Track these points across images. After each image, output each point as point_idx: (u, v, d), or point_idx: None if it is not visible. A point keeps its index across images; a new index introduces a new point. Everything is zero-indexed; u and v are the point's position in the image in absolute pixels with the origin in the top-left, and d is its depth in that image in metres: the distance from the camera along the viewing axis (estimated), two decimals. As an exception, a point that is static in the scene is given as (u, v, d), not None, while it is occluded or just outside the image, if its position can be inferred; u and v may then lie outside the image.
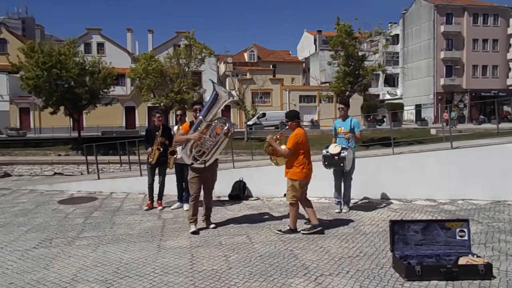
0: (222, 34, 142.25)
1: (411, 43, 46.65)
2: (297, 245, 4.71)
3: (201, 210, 5.73)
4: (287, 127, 5.35)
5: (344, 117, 6.46)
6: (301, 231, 5.17)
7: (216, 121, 5.30)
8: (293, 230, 5.21)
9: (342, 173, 6.36)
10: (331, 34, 24.85)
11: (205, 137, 5.25)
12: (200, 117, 5.27)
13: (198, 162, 5.31)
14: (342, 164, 5.97)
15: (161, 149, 6.80)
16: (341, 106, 6.58)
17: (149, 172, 7.11)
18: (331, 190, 6.63)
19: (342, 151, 5.95)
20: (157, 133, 6.83)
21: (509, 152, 7.15)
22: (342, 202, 6.47)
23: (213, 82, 5.35)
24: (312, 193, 7.51)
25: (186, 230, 5.51)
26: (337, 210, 6.41)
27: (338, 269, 3.92)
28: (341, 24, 21.88)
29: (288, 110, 38.67)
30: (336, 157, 5.95)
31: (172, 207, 7.01)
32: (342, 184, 6.47)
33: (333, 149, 6.03)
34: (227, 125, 5.34)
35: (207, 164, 5.36)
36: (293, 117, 5.31)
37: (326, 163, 6.05)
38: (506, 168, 7.01)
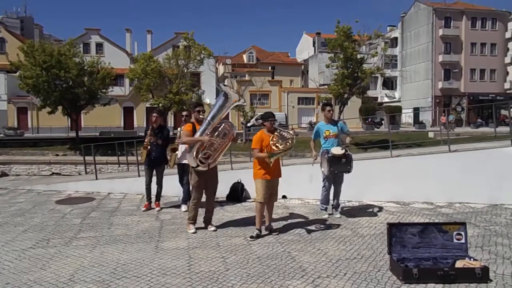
0: (221, 35, 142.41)
1: (409, 46, 46.80)
2: (295, 247, 4.72)
3: (201, 211, 5.74)
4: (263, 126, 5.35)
5: (330, 119, 6.22)
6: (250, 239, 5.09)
7: (223, 124, 5.29)
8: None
9: (334, 178, 6.17)
10: (330, 37, 24.94)
11: (216, 140, 5.23)
12: (208, 119, 5.22)
13: (203, 165, 5.26)
14: (349, 166, 5.79)
15: (149, 147, 6.78)
16: (330, 108, 6.25)
17: (146, 173, 7.09)
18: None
19: (346, 151, 5.77)
20: (147, 131, 6.80)
21: (506, 156, 7.19)
22: (333, 207, 6.32)
23: (222, 84, 5.41)
24: (309, 195, 7.58)
25: (184, 231, 5.51)
26: (326, 216, 6.21)
27: (335, 271, 3.93)
28: (340, 27, 21.95)
29: (286, 112, 39.07)
30: (343, 159, 5.75)
31: (183, 210, 6.82)
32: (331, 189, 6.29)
33: (337, 150, 5.79)
34: (232, 128, 5.36)
35: (211, 166, 5.34)
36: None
37: (332, 168, 5.76)
38: (503, 171, 7.04)
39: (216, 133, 5.24)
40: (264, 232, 5.28)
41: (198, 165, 5.26)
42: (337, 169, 5.84)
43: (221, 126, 5.26)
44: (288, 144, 5.01)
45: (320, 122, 6.35)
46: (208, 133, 5.19)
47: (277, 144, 5.02)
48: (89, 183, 9.42)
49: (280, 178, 5.37)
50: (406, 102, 45.70)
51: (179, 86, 25.49)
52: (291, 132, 5.19)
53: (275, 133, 5.13)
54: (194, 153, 5.21)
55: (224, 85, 5.35)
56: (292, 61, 52.37)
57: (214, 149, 5.26)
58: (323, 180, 6.25)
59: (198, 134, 5.23)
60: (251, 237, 5.08)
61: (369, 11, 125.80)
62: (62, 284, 3.72)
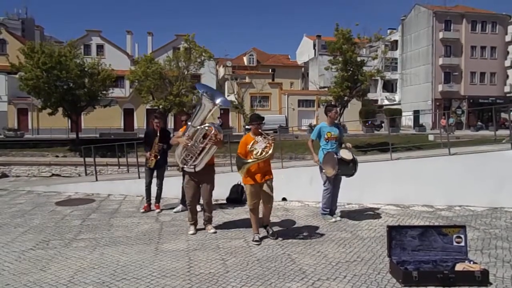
0: (221, 37, 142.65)
1: (409, 49, 46.85)
2: (295, 249, 4.72)
3: (201, 213, 5.79)
4: (250, 129, 5.24)
5: (333, 121, 6.20)
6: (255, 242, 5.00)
7: (203, 126, 5.31)
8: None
9: (334, 181, 6.10)
10: (331, 39, 24.94)
11: (190, 142, 5.29)
12: (189, 123, 5.41)
13: (188, 165, 5.39)
14: (354, 170, 5.77)
15: (159, 156, 6.87)
16: (337, 109, 6.24)
17: (147, 174, 7.13)
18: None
19: (353, 156, 5.79)
20: (155, 140, 6.83)
21: (506, 159, 7.19)
22: (332, 210, 6.27)
23: (199, 89, 5.51)
24: (309, 197, 7.58)
25: (183, 233, 5.52)
26: (332, 220, 6.11)
27: (335, 274, 3.93)
28: (340, 30, 21.98)
29: (286, 114, 39.09)
30: (351, 163, 5.74)
31: (174, 210, 6.98)
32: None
33: (346, 154, 5.76)
34: (213, 131, 5.28)
35: (197, 169, 5.35)
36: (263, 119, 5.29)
37: (340, 170, 5.69)
38: (503, 175, 7.04)
39: (196, 135, 5.31)
40: (262, 233, 5.22)
41: (183, 167, 5.47)
42: (343, 171, 5.80)
43: (199, 129, 5.30)
44: (263, 154, 4.84)
45: (322, 123, 6.28)
46: (189, 135, 5.31)
47: (254, 152, 4.89)
48: (89, 184, 9.43)
49: (275, 179, 5.19)
50: (406, 105, 45.73)
51: (180, 88, 25.48)
52: (270, 139, 4.91)
53: (255, 139, 4.96)
54: (179, 153, 5.44)
55: (201, 91, 5.37)
56: (293, 64, 52.42)
57: (195, 152, 5.32)
58: (325, 183, 6.14)
59: (182, 136, 5.41)
60: (256, 240, 4.98)
61: (370, 14, 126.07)
62: (62, 286, 3.72)
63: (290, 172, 8.33)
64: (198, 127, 5.30)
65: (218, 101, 5.28)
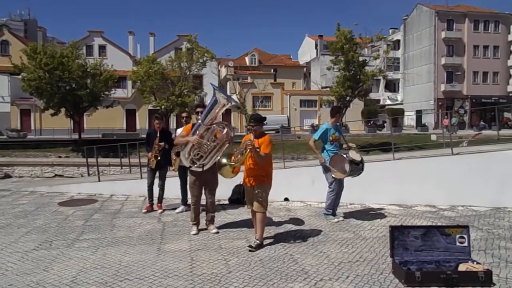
0: (223, 37, 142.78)
1: (412, 48, 46.80)
2: (297, 250, 4.71)
3: (204, 214, 5.78)
4: (251, 130, 4.90)
5: (335, 123, 6.19)
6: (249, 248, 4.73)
7: (215, 125, 5.21)
8: (261, 244, 4.81)
9: (339, 182, 6.08)
10: (332, 39, 24.94)
11: (203, 141, 5.17)
12: (199, 120, 5.23)
13: (196, 165, 5.27)
14: (361, 170, 5.84)
15: (159, 156, 6.85)
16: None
17: (149, 174, 7.14)
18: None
19: (361, 156, 5.87)
20: (155, 140, 6.84)
21: (509, 158, 7.17)
22: (334, 211, 6.24)
23: (213, 87, 5.28)
24: (311, 197, 7.57)
25: (186, 233, 5.52)
26: (335, 220, 6.09)
27: (337, 274, 3.92)
28: (341, 30, 21.98)
29: (288, 114, 39.06)
30: (360, 164, 5.79)
31: (176, 211, 6.98)
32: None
33: (355, 155, 5.79)
34: (226, 129, 5.20)
35: (205, 168, 5.29)
36: (262, 121, 5.05)
37: (353, 173, 5.70)
38: (506, 174, 7.02)
39: (208, 134, 5.20)
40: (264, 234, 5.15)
41: (191, 166, 5.30)
42: (353, 171, 5.78)
43: (211, 127, 5.19)
44: (239, 157, 4.70)
45: (327, 124, 6.17)
46: (198, 133, 5.17)
47: (236, 155, 4.79)
48: (91, 185, 9.45)
49: (276, 180, 5.09)
50: (408, 105, 45.68)
51: (182, 89, 25.53)
52: (249, 143, 4.65)
53: (246, 142, 4.76)
54: (186, 153, 5.25)
55: (215, 88, 5.25)
56: (294, 64, 52.47)
57: (206, 150, 5.20)
58: (331, 185, 6.08)
59: (190, 134, 5.26)
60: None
61: (372, 14, 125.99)
62: (65, 286, 3.73)
63: (292, 172, 8.33)
64: (211, 126, 5.15)
65: (231, 98, 5.25)
